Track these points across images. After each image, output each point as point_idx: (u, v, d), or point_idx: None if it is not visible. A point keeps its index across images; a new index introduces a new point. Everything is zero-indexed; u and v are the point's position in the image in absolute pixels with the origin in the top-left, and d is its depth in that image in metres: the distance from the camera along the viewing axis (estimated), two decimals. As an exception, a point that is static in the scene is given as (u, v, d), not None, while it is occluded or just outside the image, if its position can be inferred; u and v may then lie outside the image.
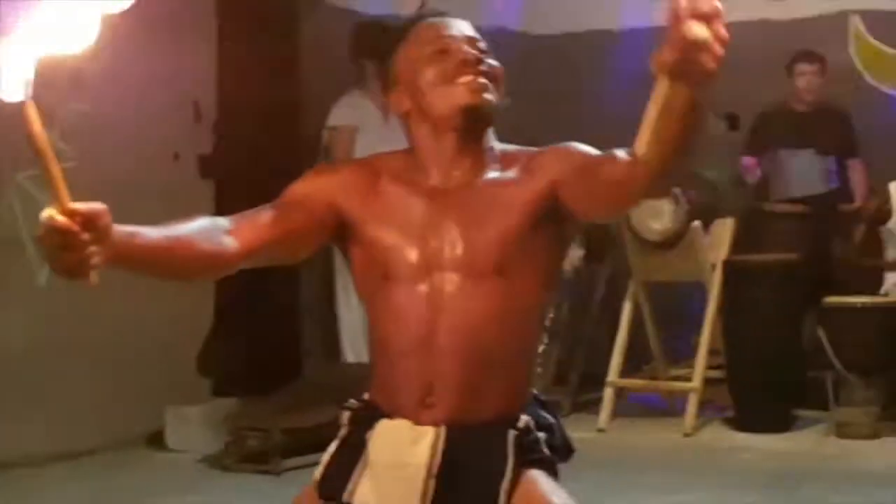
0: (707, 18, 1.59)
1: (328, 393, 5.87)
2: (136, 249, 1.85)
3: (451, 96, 2.18)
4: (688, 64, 1.61)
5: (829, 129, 6.96)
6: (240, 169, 6.52)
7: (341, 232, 2.23)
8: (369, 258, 2.20)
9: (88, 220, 1.64)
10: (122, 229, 1.77)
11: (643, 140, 1.74)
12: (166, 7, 6.22)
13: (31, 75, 1.58)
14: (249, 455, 5.69)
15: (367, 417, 2.18)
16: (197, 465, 5.80)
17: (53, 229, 1.61)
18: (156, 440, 6.10)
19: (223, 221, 2.11)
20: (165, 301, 6.22)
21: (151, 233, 1.91)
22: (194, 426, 6.06)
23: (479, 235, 2.15)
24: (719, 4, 1.62)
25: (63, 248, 1.63)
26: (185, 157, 6.57)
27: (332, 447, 2.21)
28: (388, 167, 2.28)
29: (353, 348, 6.48)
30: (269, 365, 6.60)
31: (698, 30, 1.57)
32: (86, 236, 1.64)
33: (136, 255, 1.86)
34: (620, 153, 1.99)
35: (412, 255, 2.16)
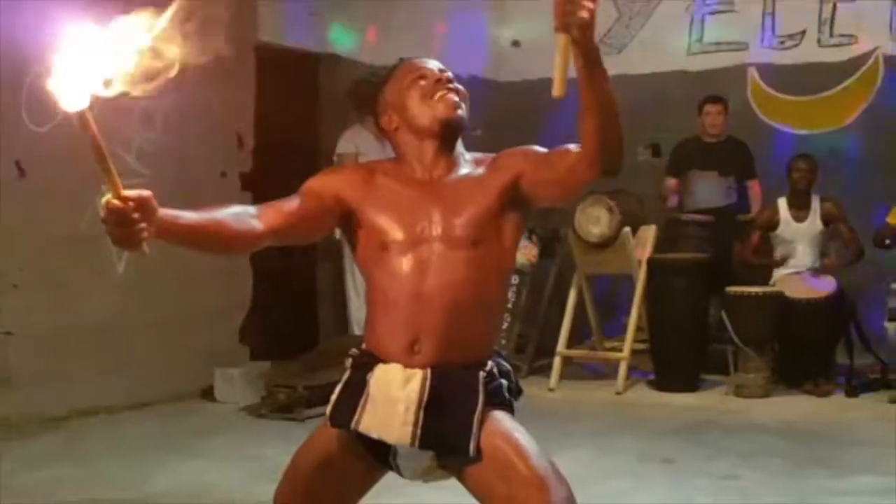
0: None
1: (339, 358, 6.04)
2: (179, 227, 1.88)
3: (433, 110, 2.21)
4: (567, 17, 1.79)
5: (731, 155, 6.91)
6: (271, 184, 6.44)
7: (346, 217, 2.23)
8: (368, 234, 2.20)
9: (138, 203, 1.69)
10: (167, 211, 1.80)
11: (557, 82, 1.83)
12: (219, 61, 6.22)
13: (90, 87, 1.59)
14: (279, 406, 5.68)
15: (366, 363, 2.18)
16: (238, 414, 5.81)
17: (111, 210, 1.67)
18: (207, 394, 6.13)
19: (251, 208, 2.11)
20: (214, 286, 6.29)
21: (192, 214, 1.94)
22: (236, 383, 6.08)
23: (458, 215, 2.16)
24: None
25: (119, 225, 1.68)
26: (230, 175, 6.55)
27: (339, 387, 2.20)
28: (380, 167, 2.31)
29: (359, 323, 6.37)
30: (293, 336, 6.65)
31: None
32: (136, 215, 1.68)
33: (179, 231, 1.88)
34: (571, 146, 2.09)
35: (404, 230, 2.16)
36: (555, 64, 1.86)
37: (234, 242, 2.11)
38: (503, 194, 2.19)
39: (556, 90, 1.84)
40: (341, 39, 7.17)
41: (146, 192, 1.72)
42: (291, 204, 2.19)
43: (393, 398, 2.09)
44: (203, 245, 2.07)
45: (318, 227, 2.28)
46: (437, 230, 2.17)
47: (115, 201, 1.67)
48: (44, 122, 5.40)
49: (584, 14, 1.80)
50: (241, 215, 2.07)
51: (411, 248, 2.16)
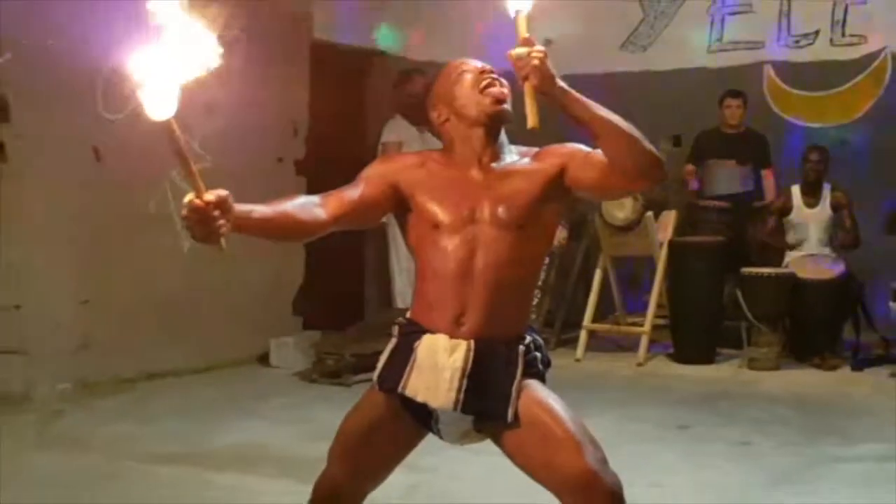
0: (526, 44, 2.05)
1: (383, 329, 6.04)
2: (252, 221, 1.89)
3: (481, 104, 2.22)
4: (524, 70, 2.04)
5: (749, 146, 6.88)
6: (323, 169, 6.50)
7: (400, 202, 2.22)
8: (420, 217, 2.20)
9: (217, 203, 1.69)
10: (241, 207, 1.81)
11: (530, 116, 2.06)
12: (276, 56, 6.29)
13: (173, 99, 1.59)
14: (328, 372, 5.72)
15: (413, 332, 2.19)
16: (291, 378, 5.86)
17: (192, 209, 1.67)
18: (263, 360, 6.19)
19: (315, 198, 2.12)
20: (270, 263, 6.32)
21: (263, 208, 1.94)
22: (290, 351, 6.13)
23: (505, 201, 2.17)
24: (530, 38, 2.07)
25: (199, 223, 1.68)
26: (286, 161, 6.64)
27: (386, 353, 2.22)
28: (431, 156, 2.31)
29: (402, 298, 6.39)
30: (341, 309, 6.70)
31: (519, 51, 2.05)
32: (215, 213, 1.69)
33: (252, 225, 1.90)
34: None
35: (454, 212, 2.17)
36: (526, 104, 2.07)
37: (301, 231, 2.13)
38: (547, 184, 2.20)
39: (530, 122, 2.05)
40: (387, 39, 7.20)
41: (224, 192, 1.72)
42: (352, 192, 2.19)
43: (439, 366, 2.10)
44: (273, 235, 2.09)
45: (376, 213, 2.28)
46: (484, 213, 2.17)
47: (197, 201, 1.68)
48: (117, 111, 5.44)
49: (535, 62, 2.02)
50: (307, 205, 2.09)
51: (460, 229, 2.17)
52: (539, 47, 2.05)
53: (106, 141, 5.42)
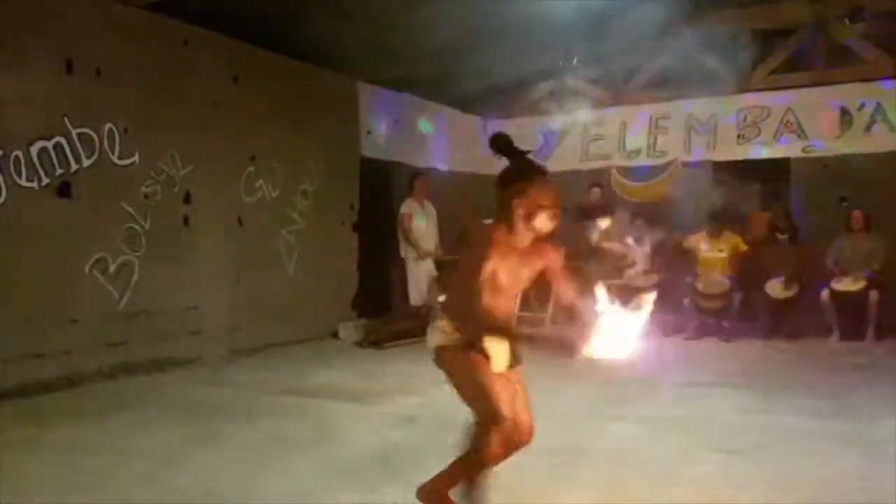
0: None
1: (403, 316, 6.06)
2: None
3: (544, 224, 1.98)
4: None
5: (607, 211, 6.51)
6: (367, 229, 6.43)
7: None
8: (492, 277, 1.95)
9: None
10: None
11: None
12: (343, 164, 6.23)
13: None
14: (372, 342, 5.66)
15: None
16: (351, 346, 5.73)
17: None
18: (334, 335, 5.99)
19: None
20: (339, 281, 6.23)
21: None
22: (350, 329, 6.00)
23: (527, 269, 2.03)
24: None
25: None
26: (346, 224, 6.36)
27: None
28: (498, 238, 1.98)
29: (414, 297, 6.23)
30: (378, 304, 6.51)
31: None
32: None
33: None
34: (568, 292, 2.03)
35: (509, 278, 1.99)
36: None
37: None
38: (539, 269, 2.07)
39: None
40: (405, 153, 7.04)
41: None
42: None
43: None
44: None
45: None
46: (517, 275, 2.02)
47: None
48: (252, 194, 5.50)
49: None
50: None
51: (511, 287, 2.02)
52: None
53: (245, 213, 5.45)
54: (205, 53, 5.06)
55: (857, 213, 5.94)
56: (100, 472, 2.71)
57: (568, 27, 5.91)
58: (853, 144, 6.46)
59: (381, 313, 6.24)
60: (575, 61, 7.31)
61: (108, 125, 4.47)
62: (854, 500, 2.38)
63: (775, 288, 5.89)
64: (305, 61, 5.85)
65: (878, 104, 6.40)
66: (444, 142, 7.65)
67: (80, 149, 4.32)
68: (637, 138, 7.48)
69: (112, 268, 4.49)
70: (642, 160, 7.43)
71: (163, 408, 3.70)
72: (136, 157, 4.64)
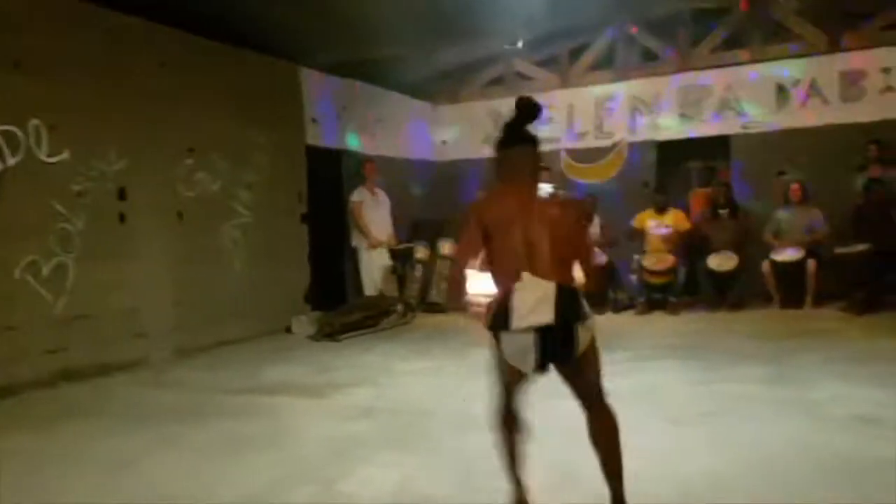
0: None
1: (356, 307, 6.03)
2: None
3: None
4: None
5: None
6: (316, 219, 6.37)
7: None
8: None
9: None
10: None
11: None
12: (290, 154, 6.13)
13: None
14: (326, 334, 5.58)
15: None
16: (304, 340, 5.62)
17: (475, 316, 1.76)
18: (287, 329, 5.91)
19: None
20: (291, 273, 6.13)
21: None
22: (303, 323, 5.92)
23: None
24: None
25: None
26: (295, 215, 6.18)
27: (493, 311, 1.87)
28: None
29: (367, 286, 6.29)
30: (332, 295, 6.49)
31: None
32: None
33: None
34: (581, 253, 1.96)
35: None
36: None
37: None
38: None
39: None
40: (352, 141, 7.10)
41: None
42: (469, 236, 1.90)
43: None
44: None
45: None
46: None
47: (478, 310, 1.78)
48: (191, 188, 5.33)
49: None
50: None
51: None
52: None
53: (187, 208, 5.30)
54: (133, 42, 4.85)
55: (794, 186, 6.20)
56: (54, 481, 2.64)
57: (513, 9, 5.89)
58: (789, 119, 6.68)
59: (336, 305, 6.15)
60: (520, 44, 7.33)
61: (34, 121, 4.25)
62: (799, 462, 2.45)
63: (717, 261, 6.11)
64: (243, 47, 5.67)
65: (813, 79, 6.64)
66: (394, 128, 7.59)
67: (3, 147, 4.09)
68: (585, 120, 7.55)
69: (45, 271, 4.31)
70: (589, 142, 7.52)
71: (111, 413, 3.60)
72: (65, 154, 4.44)
